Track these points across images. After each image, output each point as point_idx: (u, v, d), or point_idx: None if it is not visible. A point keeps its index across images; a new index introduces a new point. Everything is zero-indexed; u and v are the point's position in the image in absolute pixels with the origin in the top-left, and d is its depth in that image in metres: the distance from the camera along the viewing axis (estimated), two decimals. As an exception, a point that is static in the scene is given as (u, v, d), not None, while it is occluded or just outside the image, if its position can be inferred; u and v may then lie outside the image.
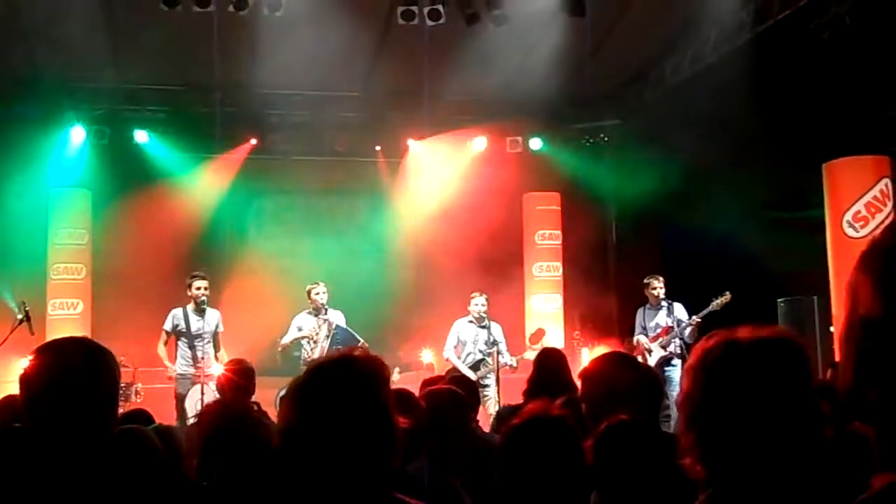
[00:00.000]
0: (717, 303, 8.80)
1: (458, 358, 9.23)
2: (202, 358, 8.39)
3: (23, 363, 2.16)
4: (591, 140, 12.56)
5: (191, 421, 7.60)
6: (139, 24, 9.12)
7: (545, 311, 12.03)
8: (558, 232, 12.34)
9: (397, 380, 9.51)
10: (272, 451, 1.95)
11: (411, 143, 12.21)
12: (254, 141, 11.91)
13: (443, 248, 11.95)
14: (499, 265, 11.51)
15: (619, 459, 2.47)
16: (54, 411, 2.00)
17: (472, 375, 8.46)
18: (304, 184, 12.53)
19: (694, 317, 8.89)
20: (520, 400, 5.59)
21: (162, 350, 8.66)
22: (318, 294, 9.00)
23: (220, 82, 11.07)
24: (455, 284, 10.63)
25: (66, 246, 11.10)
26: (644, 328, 9.31)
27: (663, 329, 9.07)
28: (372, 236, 12.57)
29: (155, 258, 11.04)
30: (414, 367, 10.32)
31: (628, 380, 3.14)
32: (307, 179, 12.46)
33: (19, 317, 8.34)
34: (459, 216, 12.10)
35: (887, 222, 8.10)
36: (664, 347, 9.01)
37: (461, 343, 9.31)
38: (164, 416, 5.41)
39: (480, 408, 5.81)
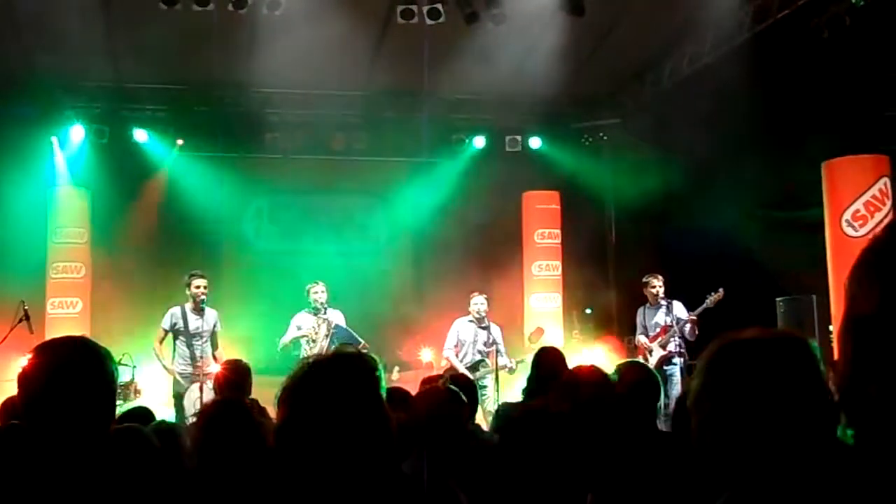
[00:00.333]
0: (711, 299, 8.80)
1: (457, 357, 9.24)
2: (200, 357, 8.42)
3: (22, 362, 2.16)
4: (591, 139, 12.56)
5: (190, 419, 7.65)
6: (138, 22, 9.11)
7: (544, 310, 12.04)
8: (557, 231, 12.34)
9: (397, 378, 9.53)
10: (267, 447, 1.95)
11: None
12: (253, 142, 11.92)
13: (442, 247, 11.97)
14: (498, 264, 11.52)
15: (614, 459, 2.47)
16: (51, 410, 2.00)
17: (469, 376, 8.46)
18: (303, 183, 12.53)
19: (690, 314, 8.89)
20: (518, 398, 5.60)
21: (158, 348, 8.68)
22: (316, 293, 9.00)
23: (219, 81, 11.08)
24: (454, 283, 10.65)
25: (65, 245, 11.10)
26: (645, 328, 9.32)
27: (663, 328, 9.07)
28: (371, 235, 12.57)
29: (154, 257, 11.06)
30: (413, 366, 10.33)
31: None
32: (306, 178, 12.47)
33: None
34: (459, 215, 12.11)
35: (886, 221, 8.10)
36: (663, 347, 9.01)
37: (460, 343, 9.32)
38: (164, 414, 5.41)
39: (479, 407, 5.81)
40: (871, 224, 8.52)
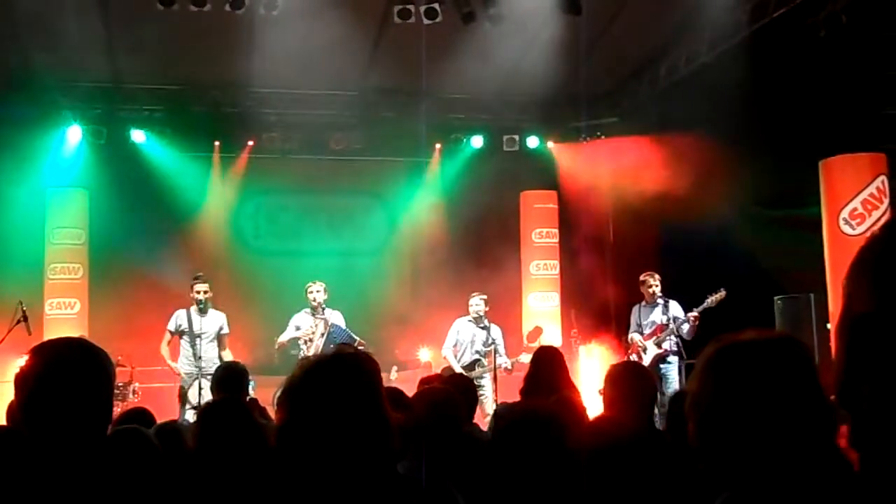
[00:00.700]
0: (712, 299, 8.77)
1: (455, 357, 9.24)
2: (201, 356, 8.54)
3: (19, 363, 2.16)
4: (589, 138, 12.57)
5: (189, 412, 8.04)
6: (135, 23, 9.11)
7: (542, 310, 12.04)
8: (555, 230, 12.35)
9: (395, 378, 9.54)
10: (267, 447, 1.95)
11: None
12: (251, 142, 11.92)
13: (439, 247, 11.97)
14: (496, 263, 11.52)
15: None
16: (49, 411, 2.00)
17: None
18: (301, 183, 12.53)
19: (690, 313, 8.87)
20: (517, 398, 5.60)
21: (165, 349, 8.83)
22: (312, 293, 9.02)
23: (216, 81, 11.08)
24: (452, 283, 10.66)
25: (63, 246, 11.10)
26: (639, 325, 9.29)
27: (658, 326, 9.06)
28: (369, 235, 12.57)
29: (152, 258, 11.04)
30: (411, 366, 10.34)
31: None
32: (304, 178, 12.47)
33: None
34: (456, 214, 12.12)
35: (883, 219, 8.12)
36: (659, 345, 9.01)
37: (459, 343, 9.33)
38: (162, 415, 5.41)
39: (477, 407, 5.81)
40: (868, 222, 8.52)
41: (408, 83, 10.99)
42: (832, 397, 1.19)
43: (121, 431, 2.78)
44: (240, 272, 11.68)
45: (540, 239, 12.33)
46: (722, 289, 8.76)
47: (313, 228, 12.40)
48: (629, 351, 9.30)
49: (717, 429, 1.52)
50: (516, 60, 10.08)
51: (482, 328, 9.22)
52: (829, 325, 8.89)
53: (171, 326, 8.81)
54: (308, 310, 9.08)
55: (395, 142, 12.29)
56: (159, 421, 4.42)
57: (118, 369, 8.12)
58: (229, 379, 5.44)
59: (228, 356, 8.57)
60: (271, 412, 6.84)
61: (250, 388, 8.28)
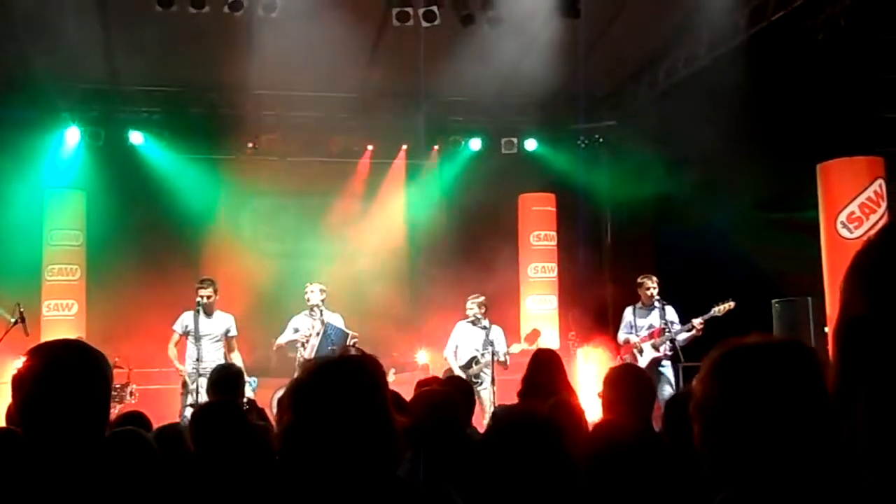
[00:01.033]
0: (718, 308, 8.67)
1: (455, 359, 9.25)
2: (200, 358, 8.56)
3: (17, 364, 2.16)
4: (587, 141, 12.58)
5: (188, 410, 8.05)
6: (134, 24, 9.11)
7: (540, 312, 12.04)
8: (553, 233, 12.33)
9: (392, 381, 9.53)
10: (262, 448, 1.95)
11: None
12: (250, 144, 11.92)
13: (438, 249, 11.97)
14: (494, 266, 11.52)
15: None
16: (46, 412, 2.00)
17: (462, 375, 8.47)
18: (299, 185, 12.52)
19: (694, 321, 8.77)
20: (514, 400, 5.60)
21: (172, 350, 8.85)
22: (307, 294, 9.03)
23: (215, 83, 11.08)
24: (450, 285, 10.65)
25: (61, 247, 11.08)
26: (633, 327, 9.24)
27: (656, 330, 9.02)
28: (367, 237, 12.57)
29: (149, 259, 11.04)
30: (409, 368, 10.34)
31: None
32: (302, 181, 12.45)
33: (12, 319, 8.40)
34: (455, 217, 12.12)
35: (881, 223, 8.12)
36: (656, 348, 8.98)
37: (460, 345, 9.33)
38: (159, 417, 5.41)
39: (476, 407, 5.82)
40: (866, 226, 8.52)
41: (406, 85, 11.00)
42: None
43: (118, 433, 2.79)
44: (239, 274, 11.67)
45: (538, 241, 12.32)
46: (731, 299, 8.67)
47: (311, 230, 12.39)
48: (622, 352, 9.28)
49: (723, 432, 1.52)
50: (515, 63, 10.09)
51: (481, 328, 9.22)
52: (826, 329, 8.88)
53: (178, 327, 8.85)
54: (307, 312, 9.08)
55: (393, 144, 12.28)
56: (155, 423, 4.42)
57: (115, 371, 8.14)
58: (224, 381, 5.45)
59: (237, 358, 8.60)
60: (270, 414, 6.86)
61: (252, 387, 8.37)
